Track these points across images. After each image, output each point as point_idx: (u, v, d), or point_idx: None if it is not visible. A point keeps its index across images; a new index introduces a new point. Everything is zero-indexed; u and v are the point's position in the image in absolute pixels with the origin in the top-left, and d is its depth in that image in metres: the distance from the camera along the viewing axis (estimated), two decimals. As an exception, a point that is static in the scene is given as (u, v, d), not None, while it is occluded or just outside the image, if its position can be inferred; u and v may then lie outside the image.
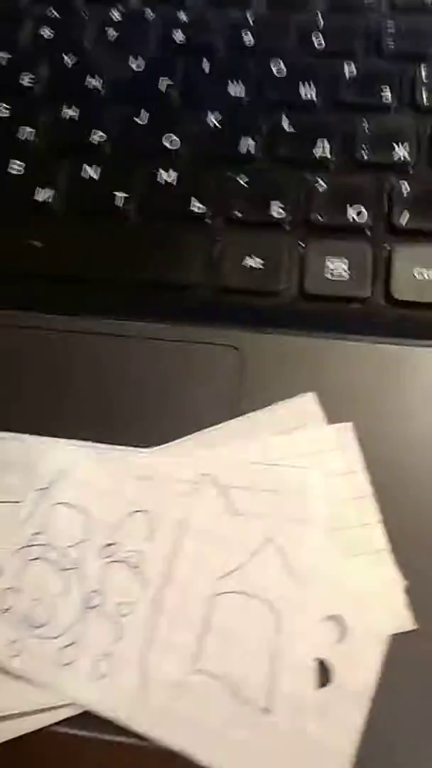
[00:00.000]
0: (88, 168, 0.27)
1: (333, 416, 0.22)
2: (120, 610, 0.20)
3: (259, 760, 0.18)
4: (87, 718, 0.19)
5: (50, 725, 0.19)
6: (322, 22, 0.30)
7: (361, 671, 0.19)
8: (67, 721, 0.19)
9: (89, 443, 0.22)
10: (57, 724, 0.19)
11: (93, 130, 0.28)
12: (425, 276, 0.24)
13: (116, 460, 0.22)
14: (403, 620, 0.19)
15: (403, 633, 0.19)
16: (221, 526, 0.20)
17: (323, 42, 0.30)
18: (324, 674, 0.19)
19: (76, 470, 0.21)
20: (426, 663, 0.19)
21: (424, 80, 0.28)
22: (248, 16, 0.31)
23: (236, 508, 0.21)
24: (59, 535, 0.20)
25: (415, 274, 0.24)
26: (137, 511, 0.21)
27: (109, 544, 0.20)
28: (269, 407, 0.22)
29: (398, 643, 0.19)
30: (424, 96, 0.28)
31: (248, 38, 0.30)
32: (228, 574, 0.20)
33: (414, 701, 0.18)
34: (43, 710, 0.19)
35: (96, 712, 0.19)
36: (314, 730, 0.18)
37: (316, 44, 0.30)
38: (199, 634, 0.19)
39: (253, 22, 0.31)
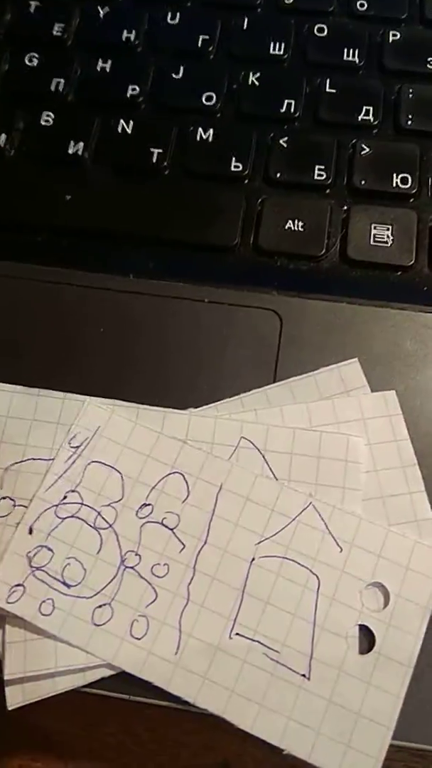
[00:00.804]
0: (123, 122, 0.26)
1: (376, 384, 0.22)
2: (156, 571, 0.19)
3: (299, 726, 0.18)
4: (121, 680, 0.18)
5: (84, 686, 0.18)
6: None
7: (404, 639, 0.18)
8: (100, 682, 0.18)
9: (126, 402, 0.21)
10: (91, 684, 0.18)
11: (128, 85, 0.27)
12: (470, 246, 0.24)
13: (154, 420, 0.21)
14: (446, 590, 0.19)
15: (445, 603, 0.19)
16: (260, 490, 0.20)
17: (366, 6, 0.29)
18: (366, 641, 0.18)
19: (112, 429, 0.21)
20: (469, 633, 0.19)
21: (470, 49, 0.28)
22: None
23: (276, 473, 0.20)
24: (94, 494, 0.20)
25: (461, 244, 0.24)
26: (175, 473, 0.20)
27: (146, 505, 0.20)
28: (312, 373, 0.22)
29: (441, 612, 0.19)
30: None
31: (289, -3, 0.29)
32: (267, 539, 0.19)
33: (456, 671, 0.18)
34: (76, 670, 0.18)
35: (131, 674, 0.18)
36: (354, 697, 0.18)
37: (358, 7, 0.29)
38: (237, 598, 0.19)
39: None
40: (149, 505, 0.20)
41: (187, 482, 0.20)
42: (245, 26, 0.29)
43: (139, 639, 0.18)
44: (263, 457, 0.20)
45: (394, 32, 0.28)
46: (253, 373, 0.22)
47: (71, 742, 0.20)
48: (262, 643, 0.18)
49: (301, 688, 0.18)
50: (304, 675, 0.18)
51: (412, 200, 0.25)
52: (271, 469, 0.20)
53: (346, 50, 0.28)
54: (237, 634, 0.18)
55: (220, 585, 0.19)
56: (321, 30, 0.29)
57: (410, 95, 0.27)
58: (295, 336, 0.22)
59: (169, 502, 0.20)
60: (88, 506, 0.20)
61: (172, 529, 0.19)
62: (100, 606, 0.19)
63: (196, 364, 0.22)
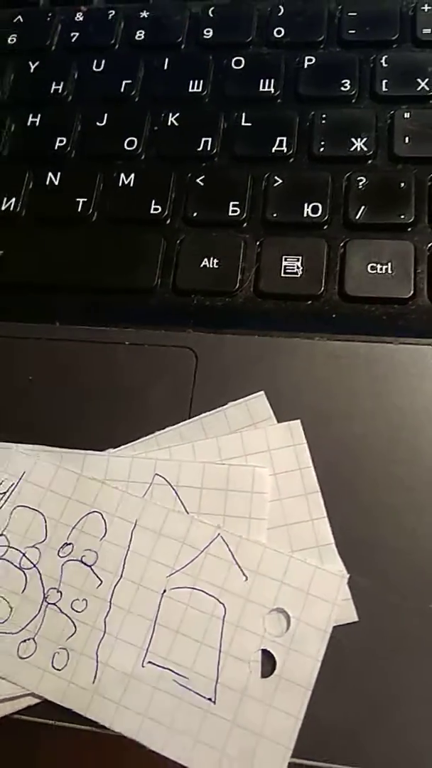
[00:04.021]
0: (51, 175, 0.28)
1: (284, 414, 0.23)
2: (76, 606, 0.21)
3: (205, 747, 0.19)
4: (46, 707, 0.20)
5: (11, 714, 0.20)
6: (281, 11, 0.30)
7: (303, 662, 0.19)
8: (27, 710, 0.20)
9: (48, 447, 0.23)
10: (18, 712, 0.20)
11: (57, 137, 0.29)
12: (378, 270, 0.24)
13: (75, 462, 0.22)
14: (346, 612, 0.20)
15: (345, 624, 0.20)
16: (172, 524, 0.21)
17: (283, 32, 0.30)
18: (269, 665, 0.19)
19: (37, 474, 0.22)
20: (367, 654, 0.19)
21: (384, 68, 0.28)
22: (209, 10, 0.31)
23: (187, 507, 0.21)
24: (20, 537, 0.22)
25: (369, 269, 0.24)
26: (94, 512, 0.22)
27: (67, 544, 0.21)
28: (221, 408, 0.23)
29: (341, 634, 0.20)
30: (384, 86, 0.28)
31: (207, 32, 0.30)
32: (178, 571, 0.21)
33: (355, 691, 0.19)
34: (4, 700, 0.20)
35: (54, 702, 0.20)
36: (256, 719, 0.19)
37: (275, 35, 0.30)
38: (149, 628, 0.20)
39: (213, 14, 0.31)
40: (70, 544, 0.21)
41: (104, 520, 0.22)
42: (166, 66, 0.30)
43: (59, 670, 0.20)
44: (175, 492, 0.22)
45: (310, 57, 0.29)
46: (170, 410, 0.23)
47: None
48: (171, 670, 0.20)
49: (207, 711, 0.19)
50: (210, 699, 0.19)
51: (325, 227, 0.26)
52: (182, 503, 0.22)
53: (262, 81, 0.29)
54: (149, 662, 0.20)
55: (134, 617, 0.20)
56: (238, 63, 0.29)
57: (323, 121, 0.27)
58: (209, 372, 0.24)
59: (89, 540, 0.21)
60: (14, 548, 0.21)
61: (90, 566, 0.21)
62: (24, 641, 0.20)
63: (117, 405, 0.24)
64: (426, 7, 0.29)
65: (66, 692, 0.20)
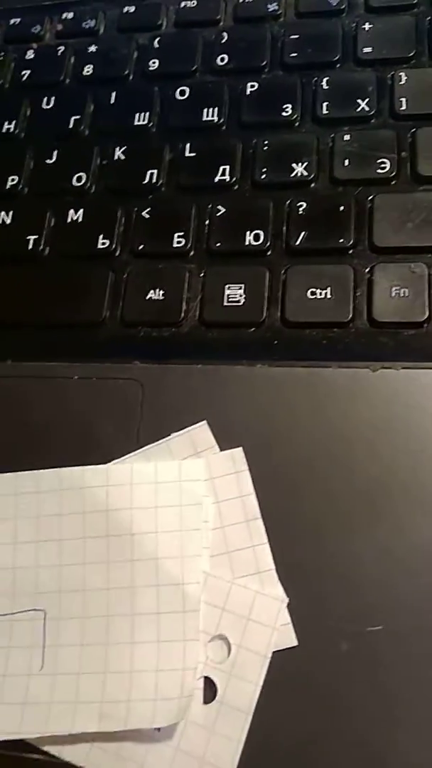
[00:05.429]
0: (4, 213, 0.29)
1: (227, 441, 0.23)
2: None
3: (151, 773, 0.20)
4: None
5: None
6: (225, 37, 0.31)
7: (244, 688, 0.20)
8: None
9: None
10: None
11: (8, 176, 0.30)
12: (318, 295, 0.25)
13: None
14: (286, 637, 0.20)
15: (285, 649, 0.20)
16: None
17: (226, 59, 0.30)
18: (210, 691, 0.20)
19: (-12, 510, 0.23)
20: (306, 678, 0.20)
21: (325, 90, 0.28)
22: (155, 40, 0.31)
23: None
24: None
25: (309, 295, 0.25)
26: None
27: (18, 578, 0.22)
28: (165, 439, 0.23)
29: (280, 659, 0.20)
30: (325, 108, 0.28)
31: (153, 63, 0.31)
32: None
33: (295, 715, 0.20)
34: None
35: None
36: (199, 744, 0.19)
37: (219, 62, 0.30)
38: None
39: (159, 44, 0.31)
40: (21, 578, 0.22)
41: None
42: (113, 99, 0.30)
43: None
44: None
45: (252, 83, 0.29)
46: (118, 442, 0.24)
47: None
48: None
49: (152, 738, 0.20)
50: (156, 727, 0.20)
51: (267, 254, 0.26)
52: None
53: (206, 110, 0.29)
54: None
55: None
56: (183, 93, 0.30)
57: (265, 147, 0.28)
58: (155, 403, 0.24)
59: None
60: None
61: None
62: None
63: (67, 440, 0.24)
64: (367, 26, 0.30)
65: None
